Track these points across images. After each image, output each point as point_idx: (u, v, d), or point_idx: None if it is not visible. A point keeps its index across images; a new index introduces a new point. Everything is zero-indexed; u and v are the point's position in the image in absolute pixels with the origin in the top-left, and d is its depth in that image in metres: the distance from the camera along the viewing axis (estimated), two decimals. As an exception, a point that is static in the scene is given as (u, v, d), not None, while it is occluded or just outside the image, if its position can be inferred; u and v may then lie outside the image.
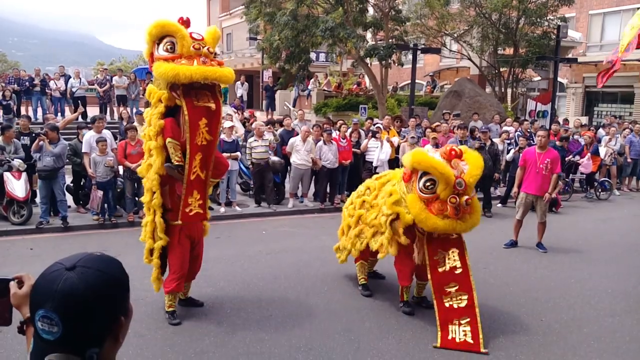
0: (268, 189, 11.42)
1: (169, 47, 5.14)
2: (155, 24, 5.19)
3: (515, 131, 14.39)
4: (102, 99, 18.88)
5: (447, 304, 5.46)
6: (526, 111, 22.58)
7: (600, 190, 13.94)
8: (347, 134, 12.10)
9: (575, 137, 14.77)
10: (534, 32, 21.76)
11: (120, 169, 9.93)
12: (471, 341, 5.25)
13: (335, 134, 11.87)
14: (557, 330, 5.69)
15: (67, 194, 9.92)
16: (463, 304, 5.41)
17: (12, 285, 1.54)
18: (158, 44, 5.22)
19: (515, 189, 9.06)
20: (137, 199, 10.00)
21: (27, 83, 18.08)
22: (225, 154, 10.06)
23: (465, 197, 5.19)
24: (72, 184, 10.58)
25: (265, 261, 7.89)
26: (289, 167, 12.06)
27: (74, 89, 18.06)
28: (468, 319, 5.34)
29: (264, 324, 5.67)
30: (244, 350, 5.08)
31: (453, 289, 5.47)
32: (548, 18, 21.15)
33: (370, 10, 20.95)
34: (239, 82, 24.79)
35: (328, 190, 11.87)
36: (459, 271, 5.49)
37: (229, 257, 7.93)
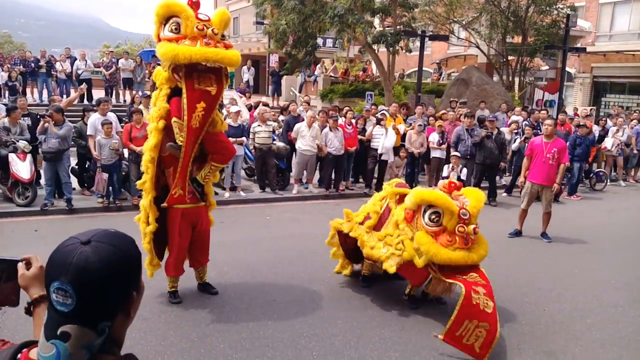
0: (270, 174, 11.42)
1: (174, 27, 5.07)
2: (162, 4, 5.12)
3: (524, 121, 14.31)
4: (108, 81, 18.85)
5: (474, 302, 4.86)
6: (533, 100, 22.45)
7: (595, 181, 13.86)
8: (353, 120, 12.06)
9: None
10: (543, 21, 21.60)
11: (126, 152, 9.93)
12: (478, 350, 4.78)
13: (341, 121, 11.84)
14: (560, 320, 5.69)
15: (72, 176, 9.94)
16: (489, 310, 4.87)
17: (20, 266, 1.55)
18: (164, 25, 5.16)
19: (521, 179, 9.02)
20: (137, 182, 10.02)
21: (32, 64, 18.10)
22: (231, 139, 10.06)
23: (472, 226, 5.15)
24: (77, 167, 10.59)
25: (269, 247, 7.90)
26: (294, 153, 12.05)
27: (79, 71, 18.05)
28: (488, 326, 4.81)
29: (267, 309, 5.68)
30: (247, 334, 5.10)
31: (481, 292, 4.97)
32: (557, 7, 20.99)
33: (379, -4, 20.77)
34: (245, 67, 24.72)
35: (333, 176, 11.86)
36: (482, 282, 5.10)
37: (232, 242, 7.94)
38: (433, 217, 5.26)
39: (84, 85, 15.44)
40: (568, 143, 12.14)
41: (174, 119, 5.28)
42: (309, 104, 14.41)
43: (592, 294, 6.49)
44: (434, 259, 5.14)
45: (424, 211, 5.34)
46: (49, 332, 1.21)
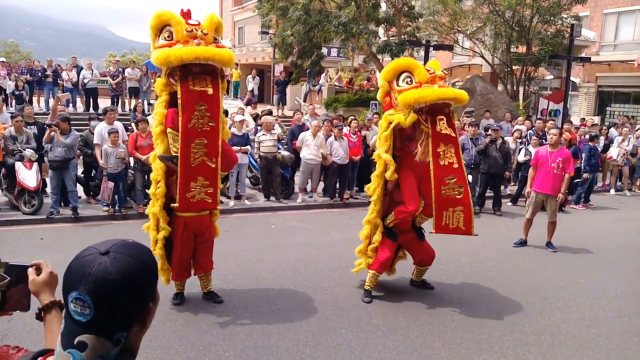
0: (275, 183, 11.44)
1: (167, 35, 5.24)
2: (154, 16, 5.31)
3: (528, 130, 14.30)
4: (114, 90, 18.96)
5: (444, 194, 5.86)
6: (538, 110, 22.43)
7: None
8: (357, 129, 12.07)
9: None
10: (547, 31, 21.60)
11: (131, 161, 9.98)
12: (463, 227, 5.93)
13: (345, 130, 11.86)
14: (565, 330, 5.67)
15: (77, 184, 9.98)
16: (460, 196, 5.86)
17: (31, 272, 1.56)
18: (159, 36, 5.31)
19: (528, 189, 8.97)
20: (147, 190, 10.05)
21: (39, 73, 18.22)
22: (235, 148, 10.11)
23: (439, 72, 5.86)
24: (82, 175, 10.64)
25: (274, 255, 7.91)
26: (299, 162, 12.07)
27: (85, 80, 18.14)
28: (462, 208, 5.89)
29: (271, 318, 5.68)
30: (252, 343, 5.10)
31: (452, 181, 5.85)
32: (562, 16, 20.97)
33: (383, 6, 20.84)
34: (250, 76, 24.86)
35: (337, 185, 11.86)
36: (455, 166, 5.86)
37: (237, 250, 7.95)
38: (407, 80, 5.85)
39: (66, 94, 15.39)
40: (584, 154, 12.27)
41: (168, 129, 5.37)
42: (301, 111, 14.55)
43: (598, 304, 6.46)
44: (422, 99, 5.61)
45: (396, 80, 5.94)
46: (65, 341, 1.22)
